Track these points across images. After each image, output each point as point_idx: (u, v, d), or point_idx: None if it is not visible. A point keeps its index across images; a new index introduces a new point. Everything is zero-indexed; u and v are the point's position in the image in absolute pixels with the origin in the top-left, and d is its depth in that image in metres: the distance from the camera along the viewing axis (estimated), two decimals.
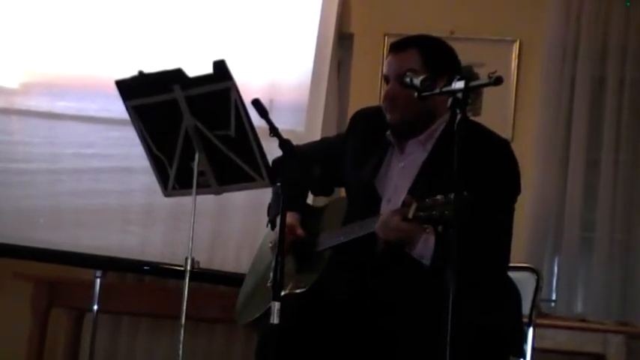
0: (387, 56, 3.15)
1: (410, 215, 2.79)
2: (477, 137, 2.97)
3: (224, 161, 3.05)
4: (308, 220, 3.26)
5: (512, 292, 3.07)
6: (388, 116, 3.09)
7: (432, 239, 2.85)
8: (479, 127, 3.08)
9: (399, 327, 2.86)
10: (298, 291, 3.06)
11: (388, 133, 3.13)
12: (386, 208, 3.03)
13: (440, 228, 2.78)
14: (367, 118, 3.27)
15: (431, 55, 3.05)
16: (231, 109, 2.96)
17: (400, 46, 3.10)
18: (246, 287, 3.45)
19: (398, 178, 3.08)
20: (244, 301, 3.41)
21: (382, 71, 3.24)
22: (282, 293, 2.72)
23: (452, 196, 2.58)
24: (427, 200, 2.75)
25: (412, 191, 2.97)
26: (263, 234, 3.52)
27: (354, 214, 3.12)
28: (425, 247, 2.86)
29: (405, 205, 2.83)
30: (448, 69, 2.97)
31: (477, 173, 2.83)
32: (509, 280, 3.07)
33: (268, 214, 3.33)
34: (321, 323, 3.00)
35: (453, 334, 2.41)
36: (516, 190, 3.04)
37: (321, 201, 3.63)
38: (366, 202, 3.10)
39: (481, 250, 2.82)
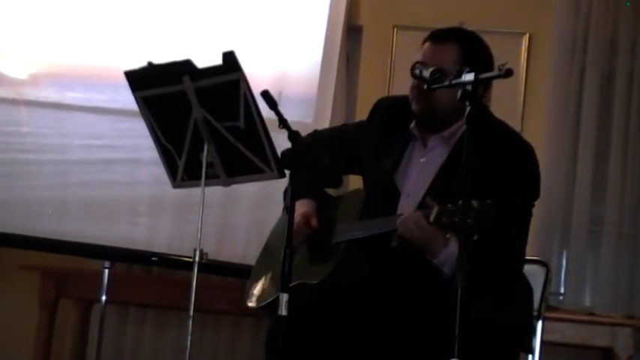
0: (423, 42, 3.04)
1: (431, 219, 2.76)
2: (501, 138, 2.95)
3: (233, 153, 3.04)
4: (325, 208, 3.21)
5: (525, 290, 3.05)
6: (414, 105, 3.02)
7: (454, 250, 2.77)
8: (504, 127, 3.04)
9: (409, 323, 2.83)
10: (311, 282, 3.01)
11: (412, 125, 3.07)
12: (405, 203, 2.99)
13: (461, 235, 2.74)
14: (391, 108, 3.20)
15: (470, 52, 2.98)
16: (240, 101, 2.95)
17: (441, 37, 3.02)
18: (259, 270, 3.37)
19: (418, 174, 3.03)
20: (254, 284, 3.34)
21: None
22: (293, 283, 2.71)
23: (475, 203, 2.56)
24: (449, 206, 2.71)
25: (432, 188, 2.94)
26: (271, 226, 3.50)
27: (371, 207, 3.06)
28: (447, 257, 2.81)
29: (427, 207, 2.81)
30: (483, 68, 2.82)
31: (499, 176, 2.83)
32: (524, 278, 3.04)
33: (284, 200, 3.27)
34: (332, 316, 2.97)
35: (463, 331, 2.40)
36: (536, 194, 3.02)
37: (334, 191, 3.61)
38: (385, 195, 3.05)
39: (498, 255, 2.81)
